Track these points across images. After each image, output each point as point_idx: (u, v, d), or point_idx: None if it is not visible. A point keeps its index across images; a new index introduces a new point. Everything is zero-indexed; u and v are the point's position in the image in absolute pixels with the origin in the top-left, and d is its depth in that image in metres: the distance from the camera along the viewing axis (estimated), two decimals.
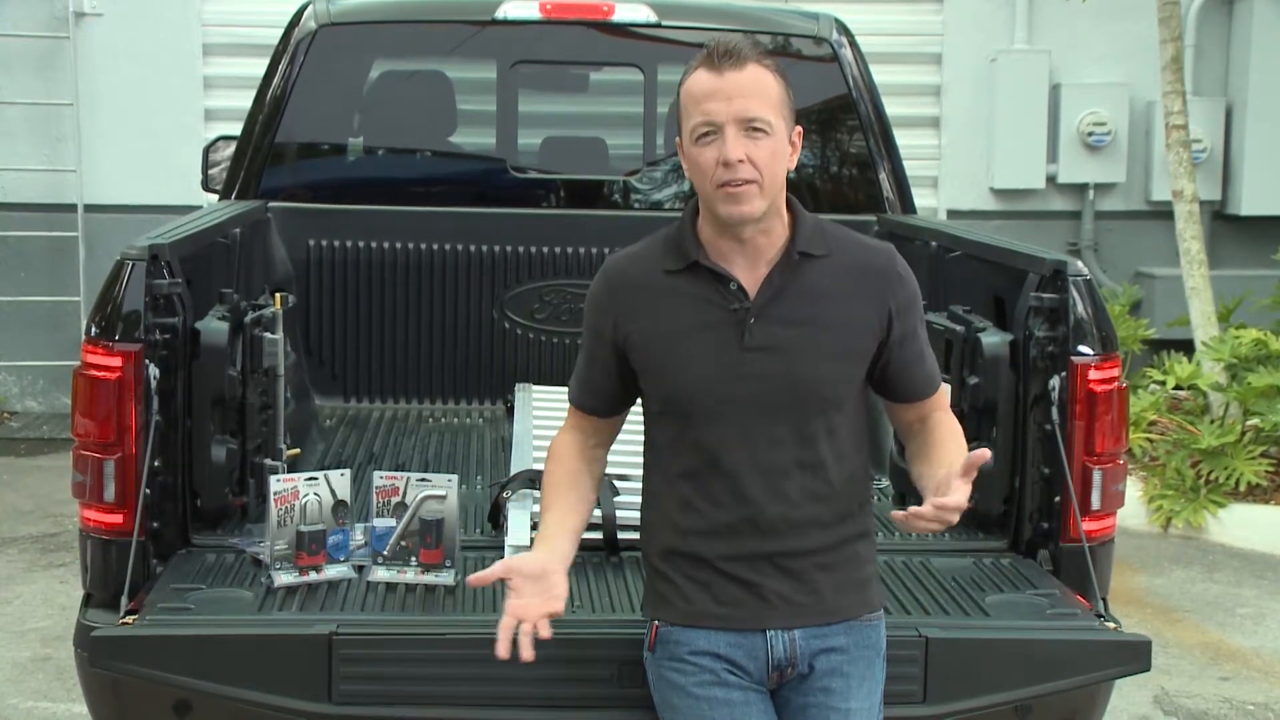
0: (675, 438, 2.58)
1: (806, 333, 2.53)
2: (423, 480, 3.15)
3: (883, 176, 4.77)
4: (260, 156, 4.60)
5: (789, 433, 2.53)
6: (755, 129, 2.46)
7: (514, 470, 3.61)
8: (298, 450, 3.86)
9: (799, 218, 2.59)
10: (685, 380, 2.54)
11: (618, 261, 2.67)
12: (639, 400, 2.69)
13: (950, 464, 2.49)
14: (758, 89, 2.47)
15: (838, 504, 2.58)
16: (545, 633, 2.49)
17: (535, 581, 2.51)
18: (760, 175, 2.46)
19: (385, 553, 3.14)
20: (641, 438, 2.72)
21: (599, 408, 2.72)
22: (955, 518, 2.42)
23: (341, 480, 3.17)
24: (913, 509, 2.43)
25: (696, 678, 2.55)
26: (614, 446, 3.56)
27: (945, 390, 2.76)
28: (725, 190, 2.47)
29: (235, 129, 4.87)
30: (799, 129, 2.57)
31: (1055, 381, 3.26)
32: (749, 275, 2.55)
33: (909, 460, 2.73)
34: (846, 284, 2.55)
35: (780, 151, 2.50)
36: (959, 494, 2.40)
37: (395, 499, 3.16)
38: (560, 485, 2.68)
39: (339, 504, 3.16)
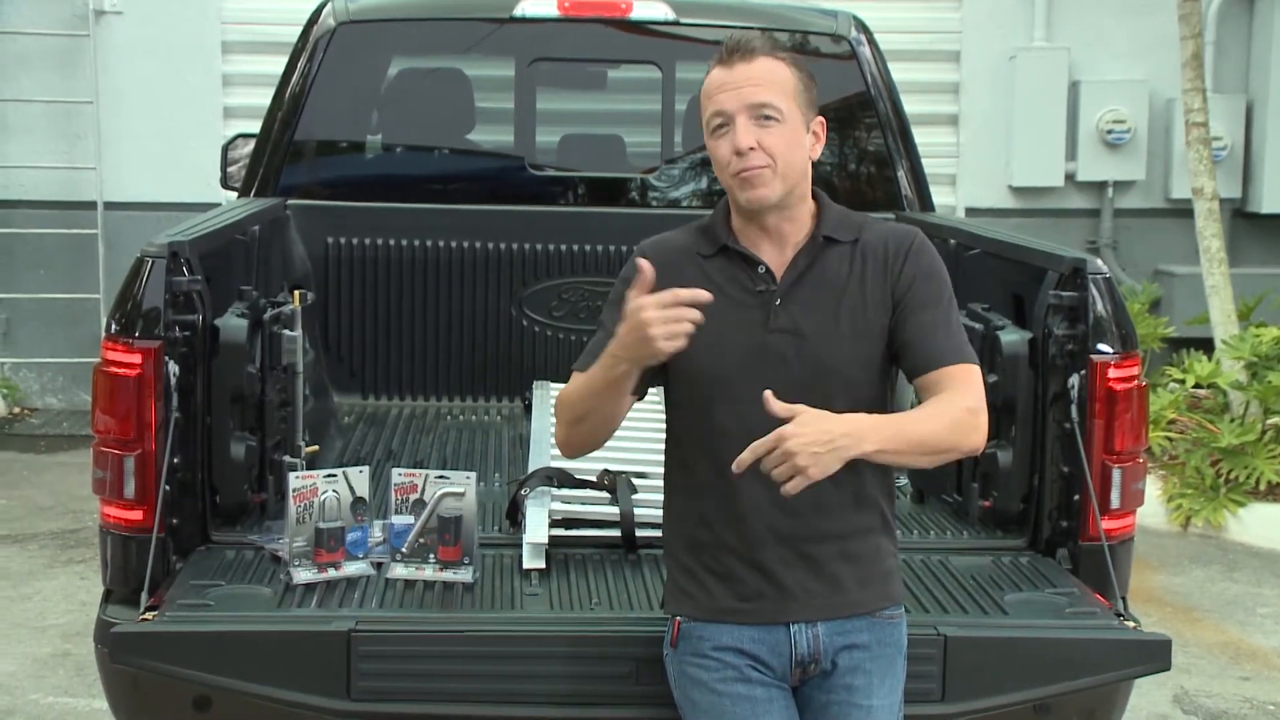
0: (701, 423, 2.56)
1: (827, 315, 2.54)
2: (441, 477, 3.16)
3: (901, 174, 4.76)
4: (279, 154, 4.60)
5: None
6: (766, 116, 2.49)
7: (532, 467, 3.61)
8: (316, 447, 3.86)
9: (824, 206, 2.62)
10: (713, 362, 2.53)
11: (653, 242, 2.66)
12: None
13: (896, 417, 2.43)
14: (767, 78, 2.50)
15: (861, 488, 2.57)
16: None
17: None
18: (774, 160, 2.49)
19: (404, 550, 3.14)
20: (657, 436, 2.71)
21: None
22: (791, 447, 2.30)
23: (360, 477, 3.17)
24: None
25: (720, 674, 2.55)
26: (632, 444, 3.54)
27: (969, 375, 2.52)
28: (740, 177, 2.51)
29: (254, 126, 4.87)
30: (821, 119, 2.58)
31: (1075, 380, 3.26)
32: (776, 260, 2.57)
33: None
34: (867, 265, 2.56)
35: (796, 139, 2.52)
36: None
37: (414, 496, 3.16)
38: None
39: (358, 501, 3.16)
